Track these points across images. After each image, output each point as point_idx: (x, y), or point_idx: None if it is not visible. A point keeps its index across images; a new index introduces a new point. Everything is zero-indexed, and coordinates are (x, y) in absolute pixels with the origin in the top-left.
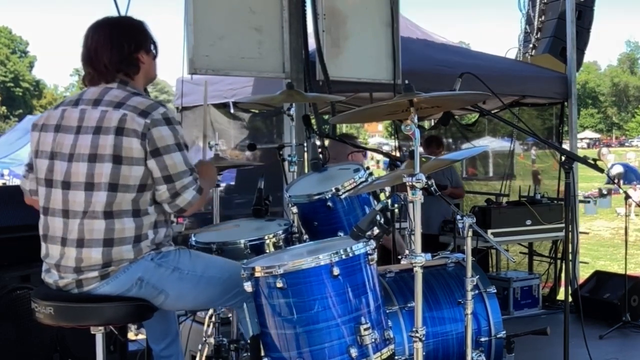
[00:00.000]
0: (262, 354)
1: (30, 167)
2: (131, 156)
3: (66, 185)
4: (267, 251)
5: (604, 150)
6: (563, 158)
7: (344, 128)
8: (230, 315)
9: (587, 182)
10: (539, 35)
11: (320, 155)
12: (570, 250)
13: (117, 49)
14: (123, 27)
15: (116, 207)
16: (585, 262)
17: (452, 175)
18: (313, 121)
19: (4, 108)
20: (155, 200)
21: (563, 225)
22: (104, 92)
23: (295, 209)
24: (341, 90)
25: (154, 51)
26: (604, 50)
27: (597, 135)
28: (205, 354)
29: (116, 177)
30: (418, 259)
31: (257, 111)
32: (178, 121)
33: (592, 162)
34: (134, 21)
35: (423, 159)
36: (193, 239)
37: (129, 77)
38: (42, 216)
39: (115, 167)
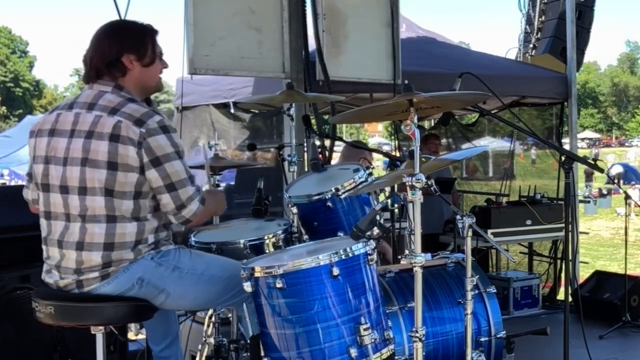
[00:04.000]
0: (262, 354)
1: (30, 177)
2: (127, 163)
3: (64, 189)
4: (267, 251)
5: (595, 151)
6: (563, 158)
7: (344, 128)
8: (230, 315)
9: (581, 182)
10: (539, 35)
11: (320, 156)
12: (570, 250)
13: (101, 49)
14: (115, 29)
15: (117, 212)
16: (585, 262)
17: (448, 172)
18: (313, 121)
19: (4, 108)
20: (155, 208)
21: (563, 225)
22: (99, 95)
23: (295, 209)
24: (341, 90)
25: (149, 60)
26: (604, 50)
27: (597, 135)
28: (205, 354)
29: (112, 183)
30: (418, 259)
31: (257, 111)
32: (174, 129)
33: (592, 162)
34: (131, 26)
35: (423, 159)
36: (193, 239)
37: (115, 80)
38: (43, 220)
39: (110, 173)
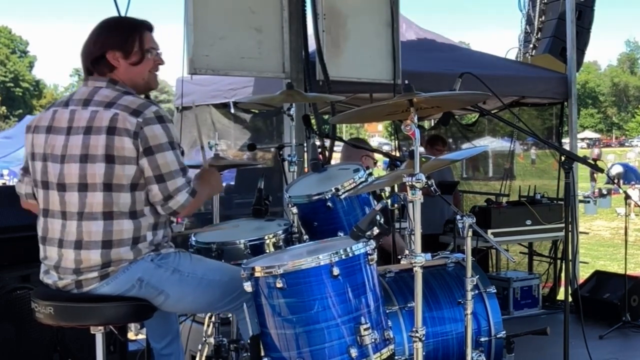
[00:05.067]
0: (262, 354)
1: (25, 171)
2: (123, 155)
3: (62, 187)
4: (267, 251)
5: (596, 151)
6: (563, 158)
7: (344, 128)
8: (230, 315)
9: (587, 182)
10: (539, 36)
11: (320, 156)
12: (570, 250)
13: (87, 46)
14: (101, 26)
15: (115, 207)
16: (585, 262)
17: (450, 174)
18: (313, 121)
19: (4, 108)
20: (150, 202)
21: (563, 225)
22: (94, 91)
23: (295, 209)
24: (341, 90)
25: (136, 58)
26: (604, 50)
27: (597, 135)
28: (205, 354)
29: (110, 176)
30: (418, 259)
31: (257, 111)
32: (170, 119)
33: (592, 162)
34: (119, 22)
35: (423, 159)
36: (193, 239)
37: (105, 76)
38: (41, 218)
39: (108, 166)
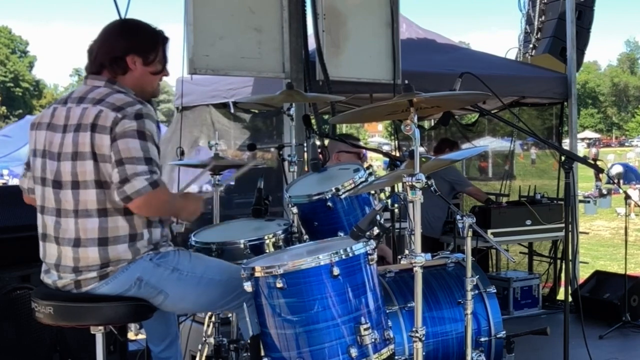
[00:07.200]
0: (262, 354)
1: (28, 166)
2: (103, 153)
3: (57, 184)
4: (267, 251)
5: (593, 150)
6: (563, 158)
7: (344, 128)
8: (230, 315)
9: (587, 182)
10: (539, 35)
11: (320, 156)
12: (570, 250)
13: (109, 44)
14: (127, 28)
15: (109, 204)
16: (585, 262)
17: (458, 176)
18: (313, 121)
19: (4, 108)
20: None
21: (563, 225)
22: (90, 90)
23: (295, 209)
24: (341, 91)
25: (154, 67)
26: (604, 50)
27: (597, 135)
28: (205, 354)
29: (99, 174)
30: (418, 259)
31: (257, 111)
32: (153, 117)
33: (592, 162)
34: (145, 28)
35: (423, 159)
36: (193, 239)
37: (113, 76)
38: (39, 215)
39: (96, 164)
